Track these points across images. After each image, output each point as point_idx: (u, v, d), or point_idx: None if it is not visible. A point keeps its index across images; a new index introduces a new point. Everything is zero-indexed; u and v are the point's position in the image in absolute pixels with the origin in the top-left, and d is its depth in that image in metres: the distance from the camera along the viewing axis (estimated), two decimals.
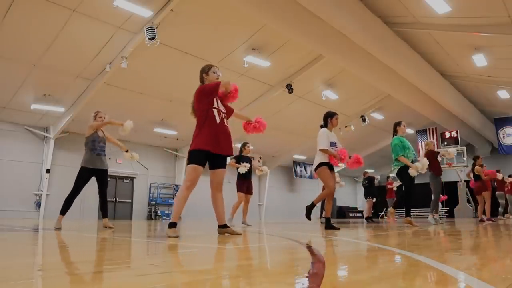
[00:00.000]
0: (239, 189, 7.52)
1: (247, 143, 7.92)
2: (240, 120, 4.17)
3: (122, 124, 5.38)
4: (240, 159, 7.68)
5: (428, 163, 6.67)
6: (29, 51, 9.97)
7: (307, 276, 1.38)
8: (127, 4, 8.54)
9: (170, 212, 16.32)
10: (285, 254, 2.40)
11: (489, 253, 2.33)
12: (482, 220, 9.14)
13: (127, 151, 5.81)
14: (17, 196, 12.87)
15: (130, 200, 16.14)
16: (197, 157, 3.45)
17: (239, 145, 7.95)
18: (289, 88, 13.04)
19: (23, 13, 8.62)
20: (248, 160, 7.79)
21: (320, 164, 5.26)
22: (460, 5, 8.38)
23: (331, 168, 5.33)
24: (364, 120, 16.79)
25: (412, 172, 6.22)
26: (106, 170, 5.43)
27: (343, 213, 22.42)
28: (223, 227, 3.71)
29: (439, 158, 8.36)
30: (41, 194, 13.31)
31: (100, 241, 3.39)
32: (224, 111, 3.69)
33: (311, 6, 8.22)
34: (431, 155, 7.88)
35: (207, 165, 3.60)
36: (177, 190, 16.93)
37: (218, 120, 3.51)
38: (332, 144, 5.32)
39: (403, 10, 9.18)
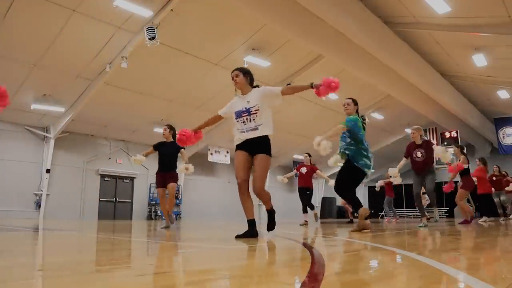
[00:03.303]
0: (156, 184, 6.28)
1: (167, 124, 6.33)
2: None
3: None
4: (159, 145, 6.07)
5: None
6: (29, 51, 9.96)
7: (307, 276, 1.38)
8: (127, 4, 8.54)
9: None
10: (285, 254, 2.40)
11: (488, 253, 2.33)
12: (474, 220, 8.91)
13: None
14: (17, 196, 12.85)
15: (130, 200, 16.12)
16: None
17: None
18: None
19: (23, 13, 8.61)
20: (173, 146, 6.00)
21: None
22: (460, 5, 8.37)
23: (249, 151, 3.57)
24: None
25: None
26: None
27: (342, 213, 22.39)
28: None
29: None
30: (41, 194, 13.29)
31: (100, 241, 3.39)
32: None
33: (311, 6, 8.21)
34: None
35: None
36: (178, 190, 16.95)
37: None
38: (239, 113, 3.59)
39: (403, 10, 9.17)
